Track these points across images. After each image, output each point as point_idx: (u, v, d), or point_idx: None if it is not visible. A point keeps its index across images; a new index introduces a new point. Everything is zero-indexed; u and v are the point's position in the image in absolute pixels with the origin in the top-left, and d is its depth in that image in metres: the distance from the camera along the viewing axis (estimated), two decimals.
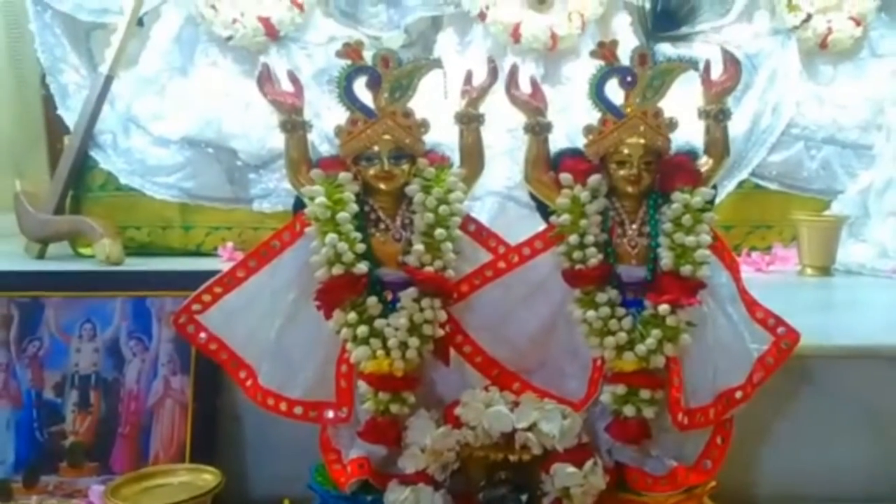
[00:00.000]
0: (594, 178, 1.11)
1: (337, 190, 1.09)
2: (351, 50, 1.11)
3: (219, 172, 2.21)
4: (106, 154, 2.22)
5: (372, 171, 1.11)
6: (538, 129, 1.15)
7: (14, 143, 3.02)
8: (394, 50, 1.13)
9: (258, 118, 2.15)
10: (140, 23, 2.30)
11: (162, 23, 2.32)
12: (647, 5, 1.08)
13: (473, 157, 1.15)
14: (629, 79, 1.10)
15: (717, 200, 2.17)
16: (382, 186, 1.11)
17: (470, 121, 1.14)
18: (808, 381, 1.30)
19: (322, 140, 2.03)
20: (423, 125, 1.12)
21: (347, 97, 1.11)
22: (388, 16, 2.40)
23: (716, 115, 1.13)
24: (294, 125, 1.13)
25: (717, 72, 1.15)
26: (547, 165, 1.15)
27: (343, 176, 1.10)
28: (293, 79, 1.15)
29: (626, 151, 1.10)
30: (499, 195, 2.14)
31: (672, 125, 1.11)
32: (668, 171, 1.11)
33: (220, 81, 2.24)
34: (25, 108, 2.89)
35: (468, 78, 1.16)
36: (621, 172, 1.11)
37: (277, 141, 2.11)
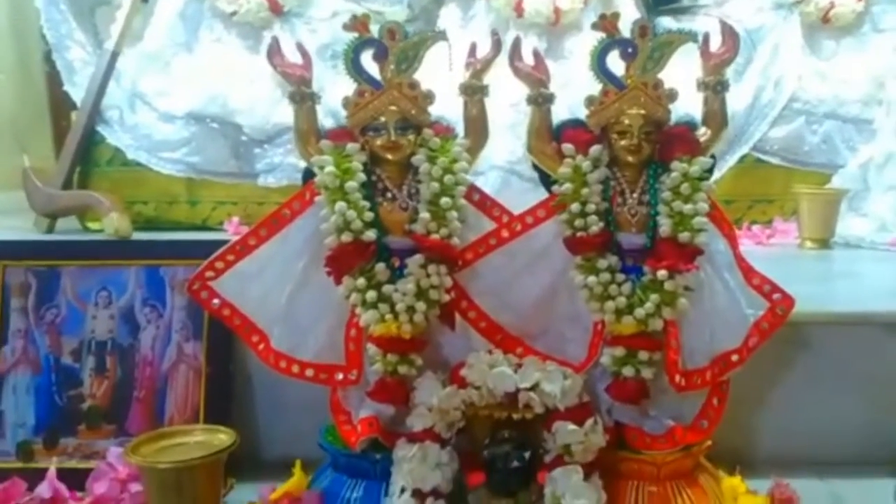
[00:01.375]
0: (595, 148, 1.14)
1: (345, 160, 1.12)
2: (358, 23, 1.14)
3: (224, 147, 2.23)
4: (113, 130, 2.25)
5: (379, 142, 1.14)
6: (541, 101, 1.18)
7: (18, 120, 3.05)
8: (400, 23, 1.15)
9: (263, 93, 2.18)
10: None
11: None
12: None
13: (478, 128, 1.18)
14: (630, 51, 1.13)
15: (719, 174, 2.22)
16: (389, 157, 1.14)
17: (474, 92, 1.17)
18: (804, 347, 1.34)
19: (326, 114, 2.06)
20: (429, 96, 1.15)
21: (355, 69, 1.14)
22: None
23: (714, 87, 1.16)
24: (303, 96, 1.16)
25: (716, 44, 1.18)
26: (549, 136, 1.18)
27: (351, 146, 1.13)
28: (302, 51, 1.18)
29: (626, 122, 1.13)
30: (502, 169, 2.17)
31: (672, 96, 1.14)
32: (668, 141, 1.14)
33: (225, 57, 2.26)
34: (29, 84, 2.91)
35: (472, 50, 1.18)
36: (622, 142, 1.13)
37: (282, 116, 2.17)
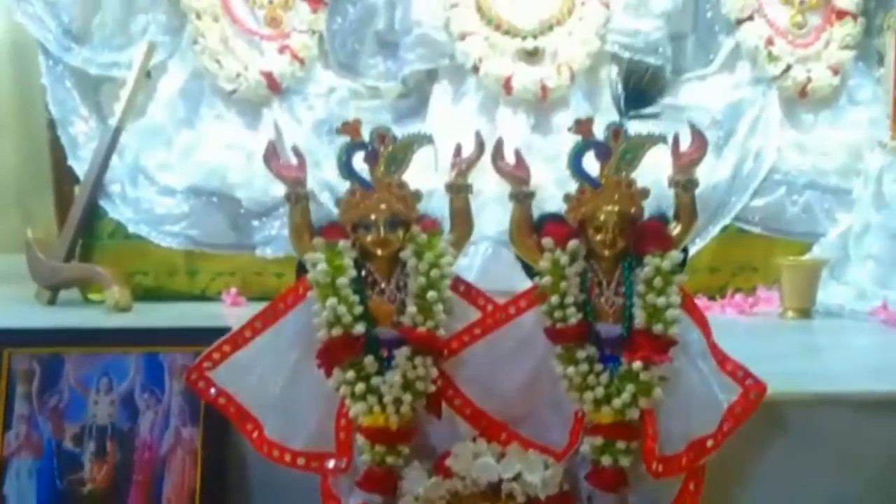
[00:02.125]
0: (573, 243, 1.20)
1: (337, 256, 1.19)
2: (350, 127, 1.21)
3: (222, 220, 2.31)
4: (114, 204, 2.32)
5: (369, 238, 1.20)
6: (522, 198, 1.25)
7: (21, 183, 3.14)
8: (389, 128, 1.23)
9: (261, 167, 2.24)
10: (148, 75, 2.41)
11: (168, 76, 2.43)
12: (620, 84, 1.19)
13: (462, 222, 1.25)
14: (604, 152, 1.20)
15: (703, 243, 2.27)
16: (379, 252, 1.21)
17: (459, 191, 1.24)
18: (781, 427, 1.37)
19: (322, 188, 2.15)
20: (417, 195, 1.22)
21: (346, 171, 1.21)
22: (385, 66, 2.51)
23: (684, 185, 1.23)
24: (298, 197, 1.23)
25: (686, 143, 1.25)
26: (530, 230, 1.24)
27: (343, 244, 1.20)
28: (297, 153, 1.25)
29: (602, 218, 1.20)
30: (492, 240, 2.23)
31: (644, 193, 1.21)
32: (641, 236, 1.21)
33: (225, 133, 2.35)
34: (33, 150, 3.01)
35: (457, 151, 1.26)
36: (598, 237, 1.20)
37: (279, 189, 2.23)
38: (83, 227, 2.30)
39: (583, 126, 1.21)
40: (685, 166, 1.23)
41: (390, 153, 1.20)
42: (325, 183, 2.23)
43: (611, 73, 2.43)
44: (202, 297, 2.32)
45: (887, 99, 2.22)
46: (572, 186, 1.28)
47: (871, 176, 2.27)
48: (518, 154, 1.27)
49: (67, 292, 2.28)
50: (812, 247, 2.31)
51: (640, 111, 1.21)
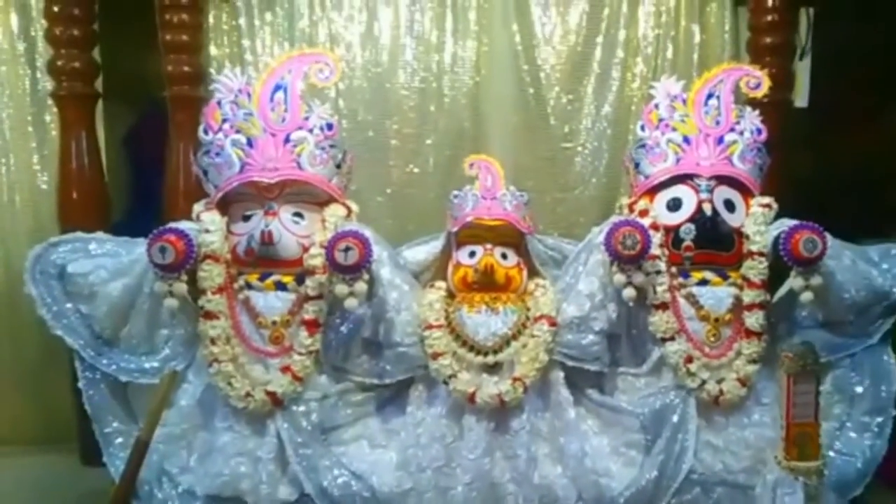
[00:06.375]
0: None
1: None
2: None
3: None
4: None
5: None
6: None
7: None
8: None
9: (266, 473, 2.73)
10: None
11: (186, 385, 2.89)
12: None
13: None
14: None
15: None
16: None
17: None
18: None
19: (318, 495, 2.65)
20: None
21: None
22: (370, 365, 2.96)
23: None
24: None
25: None
26: None
27: None
28: None
29: None
30: None
31: None
32: None
33: (235, 442, 2.80)
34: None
35: None
36: None
37: (283, 493, 2.72)
38: None
39: None
40: None
41: None
42: (322, 490, 2.72)
43: (558, 376, 2.92)
44: None
45: (782, 423, 2.69)
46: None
47: (768, 483, 2.75)
48: None
49: None
50: None
51: None
